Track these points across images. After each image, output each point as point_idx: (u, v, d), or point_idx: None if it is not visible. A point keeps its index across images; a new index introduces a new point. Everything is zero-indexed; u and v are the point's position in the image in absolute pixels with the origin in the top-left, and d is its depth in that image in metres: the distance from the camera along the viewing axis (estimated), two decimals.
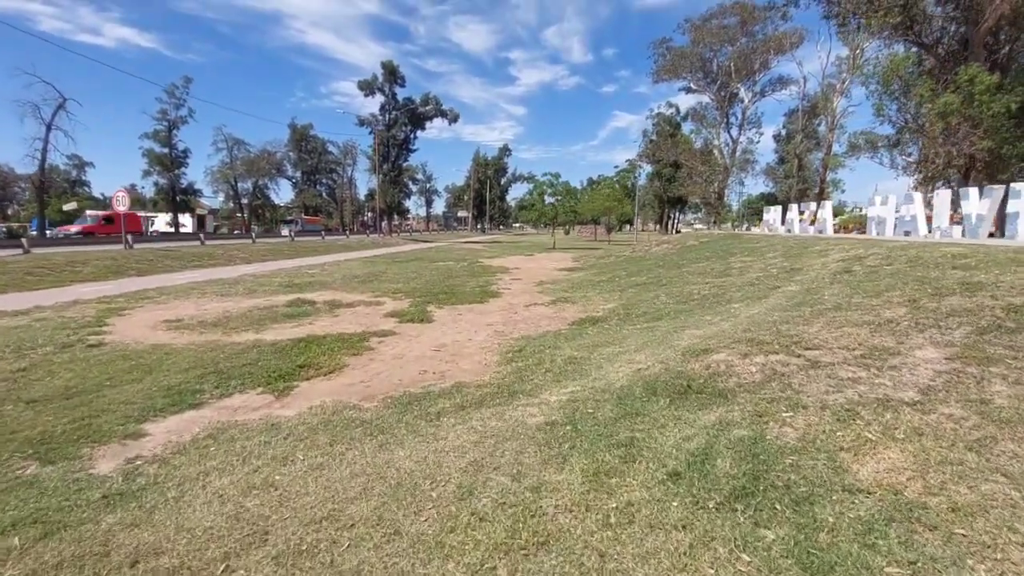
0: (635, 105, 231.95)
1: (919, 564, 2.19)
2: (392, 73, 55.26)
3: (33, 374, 5.85)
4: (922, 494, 2.65)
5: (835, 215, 23.99)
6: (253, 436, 4.09)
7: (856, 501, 2.65)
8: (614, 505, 2.82)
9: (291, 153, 70.33)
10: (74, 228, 32.55)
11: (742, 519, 2.58)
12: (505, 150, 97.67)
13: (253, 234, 42.31)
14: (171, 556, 2.54)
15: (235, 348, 7.09)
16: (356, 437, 4.03)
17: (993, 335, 4.39)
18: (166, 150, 51.00)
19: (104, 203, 52.30)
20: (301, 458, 3.67)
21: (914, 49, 22.10)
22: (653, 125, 62.42)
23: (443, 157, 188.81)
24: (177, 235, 42.44)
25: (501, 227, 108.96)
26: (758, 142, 54.95)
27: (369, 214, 73.42)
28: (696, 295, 9.71)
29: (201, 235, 35.12)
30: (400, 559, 2.45)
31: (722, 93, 45.25)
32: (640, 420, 3.86)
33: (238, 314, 9.69)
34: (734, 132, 46.64)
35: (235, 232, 54.93)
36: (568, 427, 3.88)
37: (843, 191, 48.45)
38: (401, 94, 57.15)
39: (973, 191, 11.65)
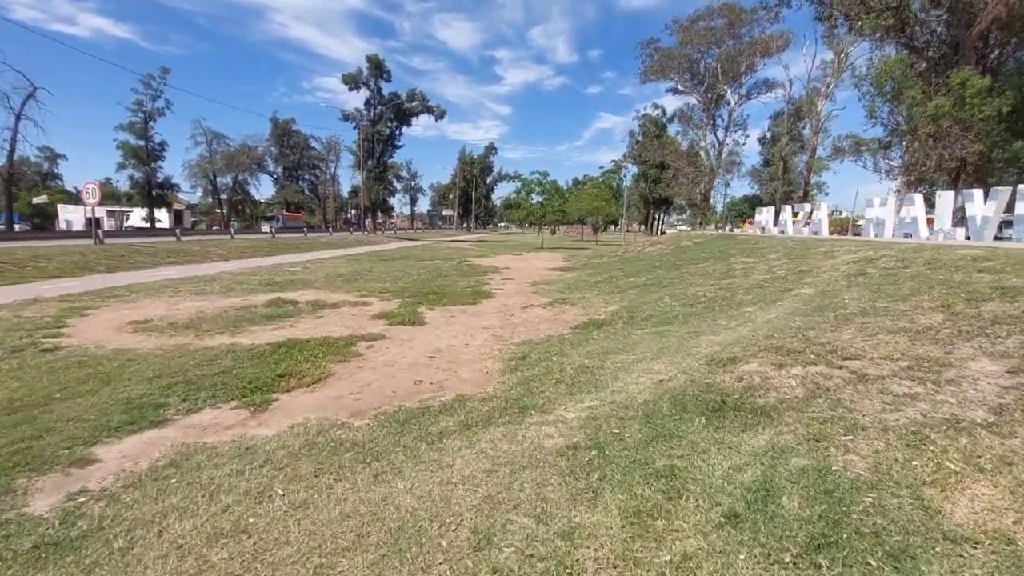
0: (620, 107, 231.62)
1: None
2: (378, 67, 54.17)
3: None
4: None
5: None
6: (223, 464, 3.47)
7: (964, 554, 2.18)
8: (667, 558, 2.31)
9: (272, 148, 68.64)
10: None
11: None
12: (491, 149, 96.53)
13: (232, 230, 40.83)
14: None
15: (208, 354, 6.41)
16: (346, 464, 3.45)
17: None
18: (142, 143, 49.19)
19: (76, 197, 50.27)
20: (280, 493, 3.07)
21: (905, 52, 22.11)
22: (639, 126, 62.45)
23: (428, 155, 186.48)
24: (152, 230, 40.93)
25: (487, 226, 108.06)
26: (744, 144, 55.55)
27: (353, 211, 72.04)
28: (702, 297, 9.28)
29: (177, 231, 33.64)
30: None
31: (709, 95, 45.42)
32: (676, 444, 3.36)
33: (213, 315, 8.97)
34: (720, 134, 46.94)
35: (213, 228, 53.19)
36: (594, 451, 3.36)
37: (827, 194, 49.00)
38: (386, 89, 56.26)
39: (978, 193, 11.44)
